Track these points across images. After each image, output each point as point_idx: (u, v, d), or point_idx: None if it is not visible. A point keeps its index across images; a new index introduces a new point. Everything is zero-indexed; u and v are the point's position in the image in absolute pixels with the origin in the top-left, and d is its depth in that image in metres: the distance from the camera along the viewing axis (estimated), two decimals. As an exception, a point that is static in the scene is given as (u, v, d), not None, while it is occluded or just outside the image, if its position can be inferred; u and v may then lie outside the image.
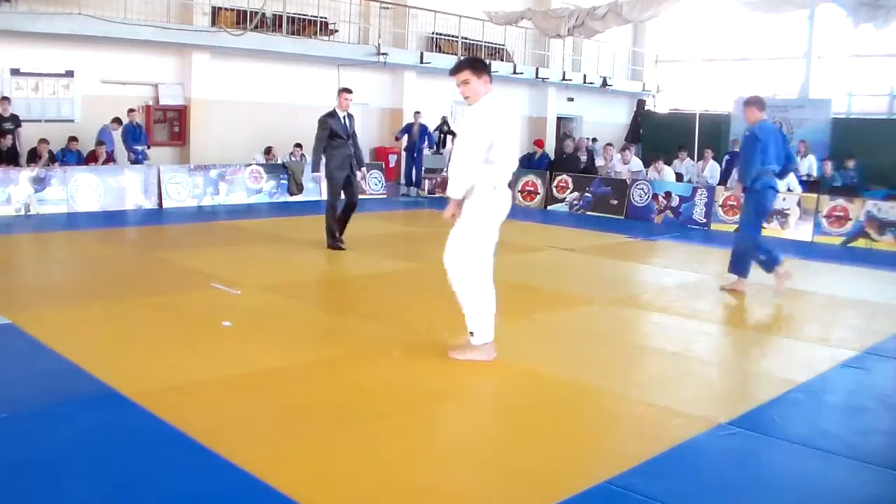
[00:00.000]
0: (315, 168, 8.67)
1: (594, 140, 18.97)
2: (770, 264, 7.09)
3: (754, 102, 7.01)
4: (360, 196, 8.98)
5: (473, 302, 4.61)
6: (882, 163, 14.10)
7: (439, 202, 14.62)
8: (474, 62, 4.63)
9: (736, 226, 11.86)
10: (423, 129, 15.46)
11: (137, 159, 12.81)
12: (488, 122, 4.46)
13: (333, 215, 8.68)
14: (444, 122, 16.85)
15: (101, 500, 2.92)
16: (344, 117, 8.59)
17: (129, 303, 5.96)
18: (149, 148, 13.32)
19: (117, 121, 12.77)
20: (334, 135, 8.49)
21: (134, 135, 13.01)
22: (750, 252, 7.11)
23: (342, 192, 8.65)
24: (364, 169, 9.27)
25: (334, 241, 8.66)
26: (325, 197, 8.99)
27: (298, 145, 14.41)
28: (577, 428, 3.88)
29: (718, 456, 3.56)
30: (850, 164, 13.39)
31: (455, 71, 4.60)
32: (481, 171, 4.46)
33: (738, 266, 7.15)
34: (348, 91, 8.71)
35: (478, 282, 4.61)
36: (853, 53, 19.93)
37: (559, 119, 21.72)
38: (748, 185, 6.94)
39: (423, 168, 15.65)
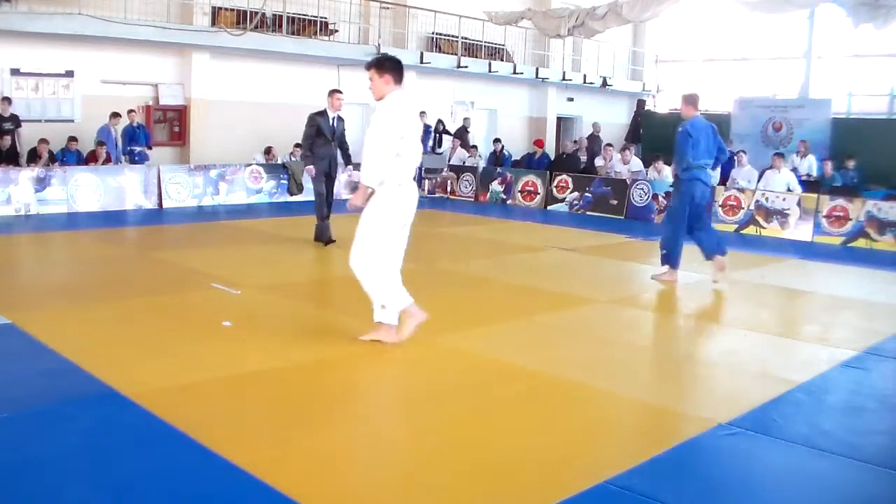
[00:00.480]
0: (306, 161, 8.82)
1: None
2: (669, 260, 7.55)
3: (691, 101, 7.37)
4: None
5: (381, 290, 4.84)
6: (882, 163, 14.10)
7: (440, 202, 14.66)
8: (379, 62, 4.88)
9: (735, 226, 11.93)
10: (426, 128, 15.45)
11: (134, 160, 12.77)
12: (397, 116, 4.71)
13: (321, 213, 8.83)
14: (440, 122, 16.91)
15: (101, 501, 2.92)
16: (334, 119, 8.67)
17: (129, 303, 5.96)
18: (150, 149, 13.29)
19: (116, 115, 12.73)
20: (320, 134, 8.60)
21: (133, 135, 12.99)
22: (677, 241, 7.54)
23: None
24: (351, 167, 9.35)
25: (327, 237, 8.82)
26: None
27: (298, 145, 14.37)
28: (577, 428, 3.87)
29: (718, 456, 3.56)
30: (850, 164, 13.39)
31: (365, 68, 4.93)
32: (392, 163, 4.69)
33: (669, 258, 7.57)
34: (339, 92, 8.80)
35: (382, 274, 4.81)
36: (853, 53, 19.92)
37: (559, 119, 21.72)
38: (680, 175, 7.31)
39: (423, 168, 15.66)
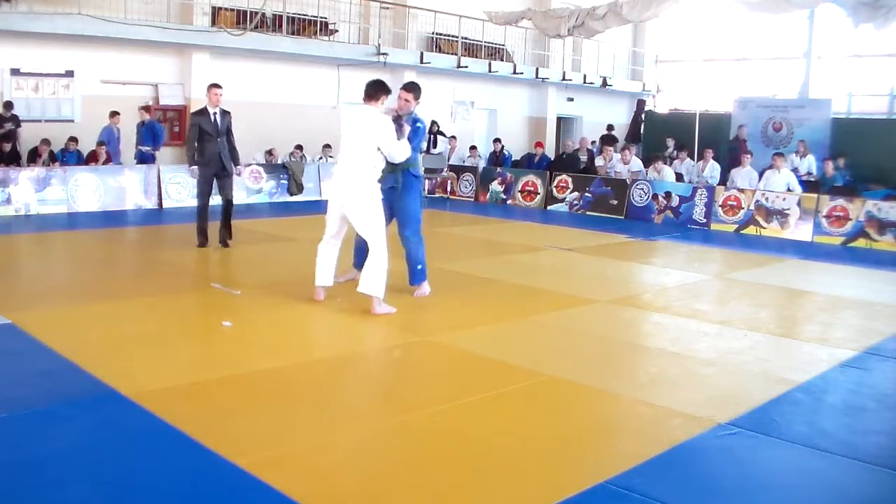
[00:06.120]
0: (190, 162, 8.57)
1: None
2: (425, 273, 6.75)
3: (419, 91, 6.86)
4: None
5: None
6: (882, 163, 14.08)
7: (440, 202, 14.66)
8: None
9: (736, 226, 11.92)
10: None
11: (142, 159, 12.70)
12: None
13: (202, 214, 8.52)
14: (434, 123, 16.94)
15: (101, 501, 2.92)
16: (214, 114, 8.41)
17: (129, 303, 5.96)
18: (156, 150, 13.19)
19: (115, 114, 12.65)
20: (203, 132, 8.36)
21: (152, 131, 12.90)
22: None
23: (217, 190, 8.54)
24: (241, 167, 9.15)
25: (203, 240, 8.49)
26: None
27: (299, 146, 14.43)
28: (576, 428, 3.88)
29: (718, 456, 3.56)
30: (841, 162, 13.40)
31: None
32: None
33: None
34: (217, 86, 8.57)
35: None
36: (853, 53, 19.92)
37: (559, 119, 21.72)
38: (419, 175, 7.09)
39: (423, 168, 15.67)
